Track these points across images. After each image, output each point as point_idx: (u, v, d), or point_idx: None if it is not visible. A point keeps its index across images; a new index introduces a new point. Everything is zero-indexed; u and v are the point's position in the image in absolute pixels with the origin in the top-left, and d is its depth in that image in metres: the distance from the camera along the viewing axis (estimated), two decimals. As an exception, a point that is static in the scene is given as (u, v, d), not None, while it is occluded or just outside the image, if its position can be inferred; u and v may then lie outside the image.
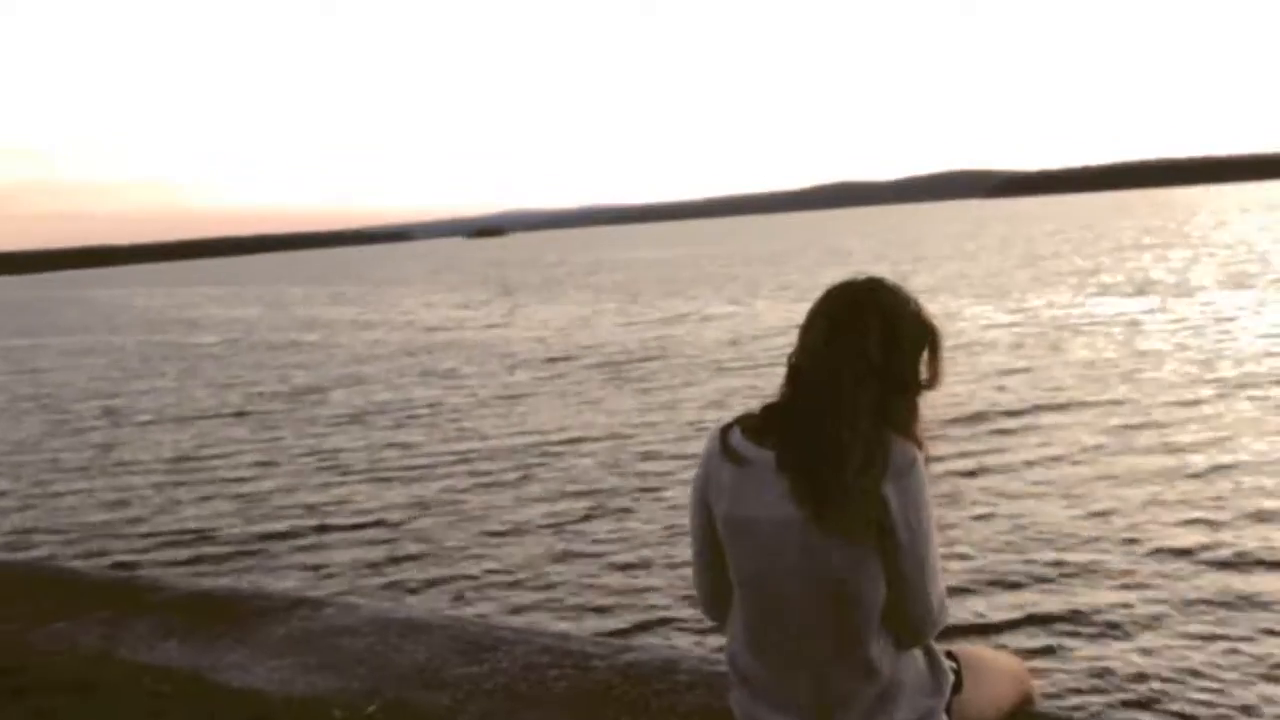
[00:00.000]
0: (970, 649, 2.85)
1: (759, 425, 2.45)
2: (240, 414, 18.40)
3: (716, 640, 6.30)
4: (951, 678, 2.58)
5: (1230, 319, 21.23)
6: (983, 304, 28.14)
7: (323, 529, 10.60)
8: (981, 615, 7.22)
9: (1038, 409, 13.54)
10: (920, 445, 2.43)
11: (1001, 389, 15.17)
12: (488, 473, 12.35)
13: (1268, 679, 6.02)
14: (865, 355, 2.39)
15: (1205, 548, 8.12)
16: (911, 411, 2.46)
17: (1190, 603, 7.16)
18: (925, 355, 2.47)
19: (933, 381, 2.48)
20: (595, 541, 9.52)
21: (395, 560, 9.42)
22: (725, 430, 2.48)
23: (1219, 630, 6.67)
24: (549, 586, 8.46)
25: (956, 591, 7.61)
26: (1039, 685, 3.31)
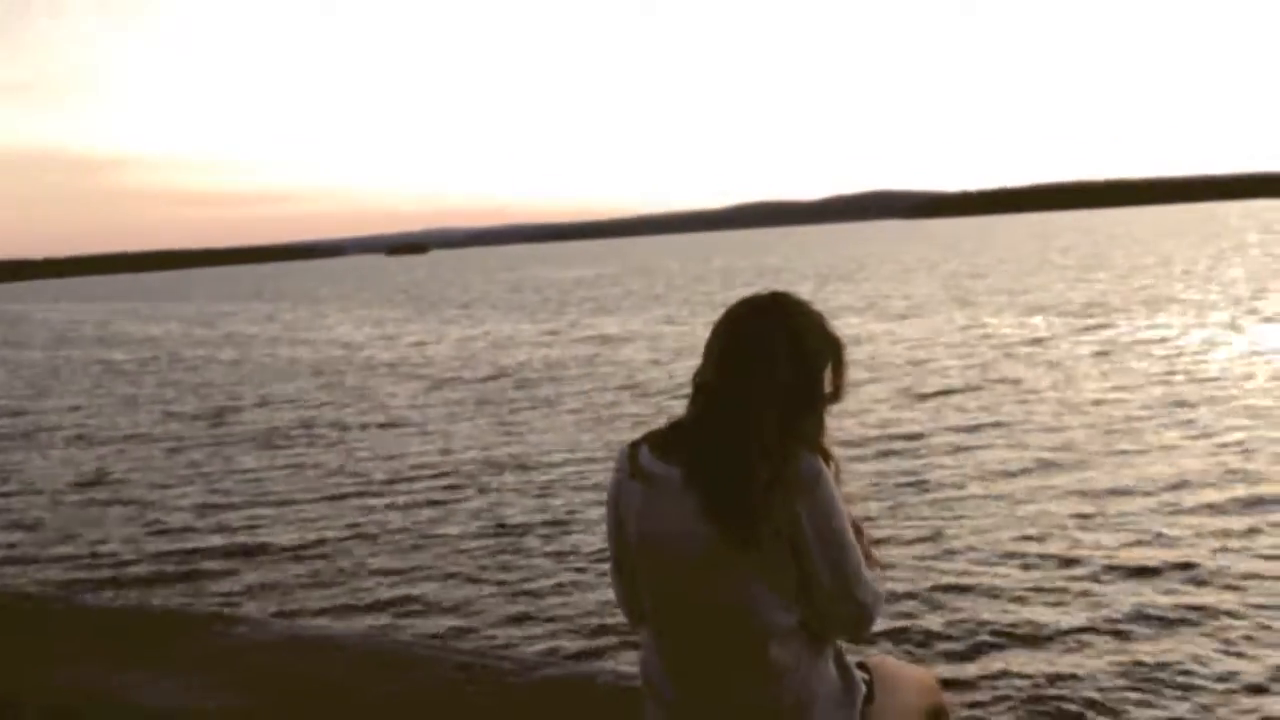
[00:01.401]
0: (882, 660, 2.87)
1: (666, 442, 2.46)
2: (152, 434, 18.09)
3: (633, 656, 6.30)
4: (863, 689, 2.59)
5: (1157, 340, 21.61)
6: (909, 324, 28.45)
7: (236, 549, 10.44)
8: (902, 630, 7.29)
9: (968, 429, 13.68)
10: (828, 457, 2.45)
11: (933, 410, 15.35)
12: (406, 494, 12.25)
13: (1189, 694, 6.12)
14: (769, 371, 2.41)
15: (1126, 565, 8.25)
16: (817, 424, 2.49)
17: (1109, 619, 7.28)
18: (829, 368, 2.50)
19: (837, 394, 2.51)
20: (513, 561, 9.48)
21: (311, 580, 9.32)
22: (634, 447, 2.49)
23: (1139, 645, 6.78)
24: (467, 605, 8.42)
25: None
26: (949, 698, 3.33)
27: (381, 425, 17.16)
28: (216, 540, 10.81)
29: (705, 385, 2.47)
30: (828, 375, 2.50)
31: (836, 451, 2.51)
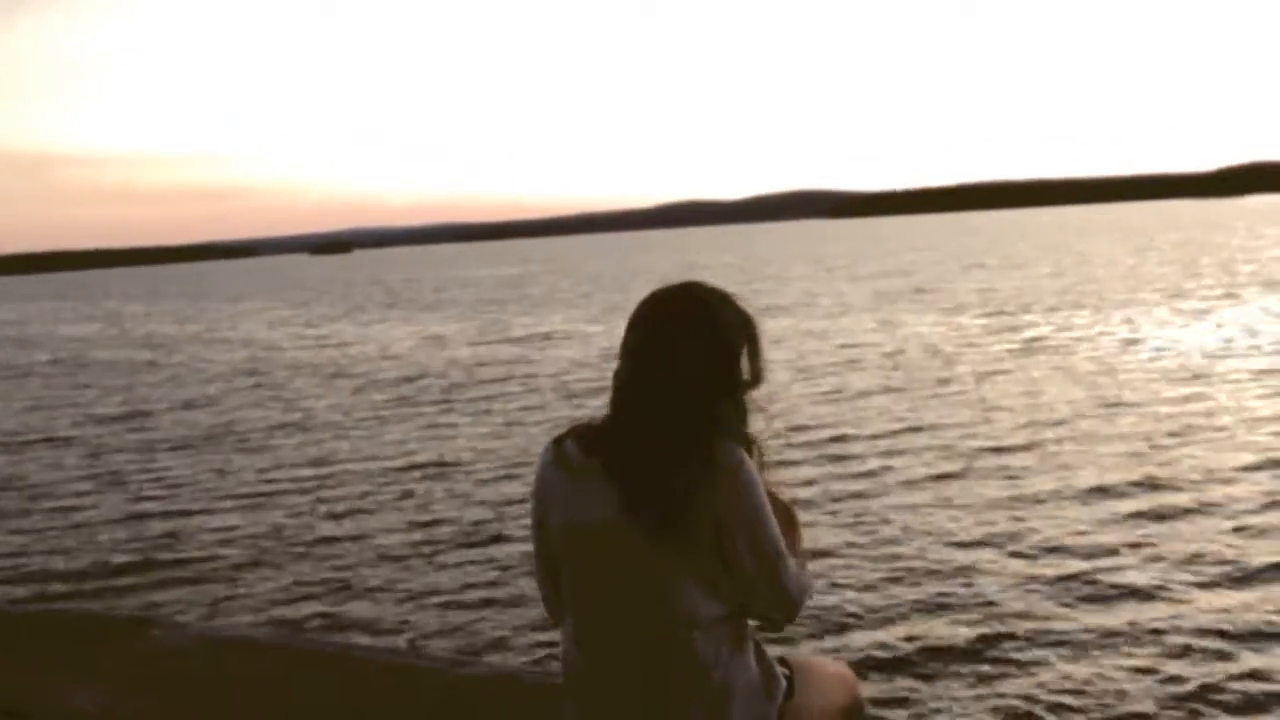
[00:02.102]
0: (802, 656, 2.91)
1: (590, 435, 2.48)
2: (70, 437, 17.79)
3: (556, 652, 6.30)
4: (784, 684, 2.62)
5: (1079, 339, 21.95)
6: (833, 323, 28.69)
7: (158, 553, 10.31)
8: (825, 627, 7.37)
9: (892, 430, 13.78)
10: (750, 444, 2.48)
11: (858, 410, 15.46)
12: (330, 497, 12.15)
13: (1113, 704, 6.23)
14: (685, 360, 2.44)
15: (1050, 573, 8.34)
16: (738, 411, 2.51)
17: (1032, 615, 7.39)
18: (745, 352, 2.52)
19: (755, 379, 2.53)
20: (440, 562, 9.46)
21: (236, 583, 9.24)
22: (558, 441, 2.51)
23: (1065, 656, 6.84)
24: (394, 607, 8.39)
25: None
26: (869, 693, 3.39)
27: (306, 428, 17.02)
28: (139, 544, 10.67)
29: (623, 379, 2.50)
30: (744, 361, 2.52)
31: (760, 437, 2.54)
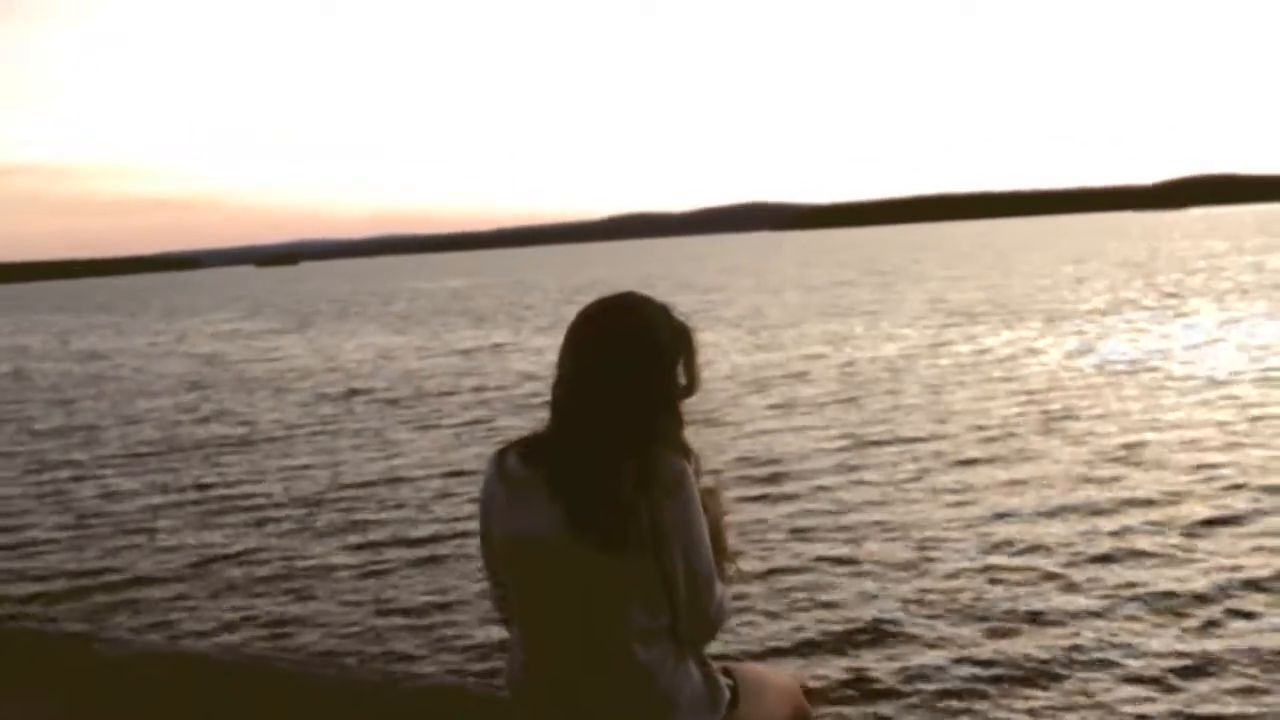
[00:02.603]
0: (747, 666, 2.94)
1: (531, 448, 2.51)
2: (11, 452, 17.53)
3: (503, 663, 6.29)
4: (728, 694, 2.65)
5: (1026, 350, 22.11)
6: (783, 335, 28.80)
7: (102, 568, 10.19)
8: (770, 636, 7.41)
9: (842, 442, 13.79)
10: (688, 453, 2.51)
11: (808, 421, 15.45)
12: (276, 511, 12.04)
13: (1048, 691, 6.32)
14: (622, 371, 2.46)
15: (998, 570, 8.46)
16: (676, 422, 2.54)
17: (981, 625, 7.46)
18: (681, 361, 2.55)
19: (691, 387, 2.56)
20: (386, 577, 9.41)
21: (180, 599, 9.13)
22: (502, 454, 2.54)
23: (1008, 647, 6.95)
24: (339, 622, 8.34)
25: (754, 617, 7.80)
26: (816, 705, 3.42)
27: (252, 441, 16.87)
28: (81, 559, 10.54)
29: (562, 391, 2.53)
30: (680, 370, 2.55)
31: (697, 448, 2.57)
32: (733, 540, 2.71)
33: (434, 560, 9.78)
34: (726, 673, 2.75)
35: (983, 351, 22.26)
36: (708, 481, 2.62)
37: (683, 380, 2.54)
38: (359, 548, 10.33)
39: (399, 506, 11.88)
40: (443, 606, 8.52)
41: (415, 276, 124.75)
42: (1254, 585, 7.84)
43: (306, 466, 14.53)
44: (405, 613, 8.45)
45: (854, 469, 12.28)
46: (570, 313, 2.70)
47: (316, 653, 7.67)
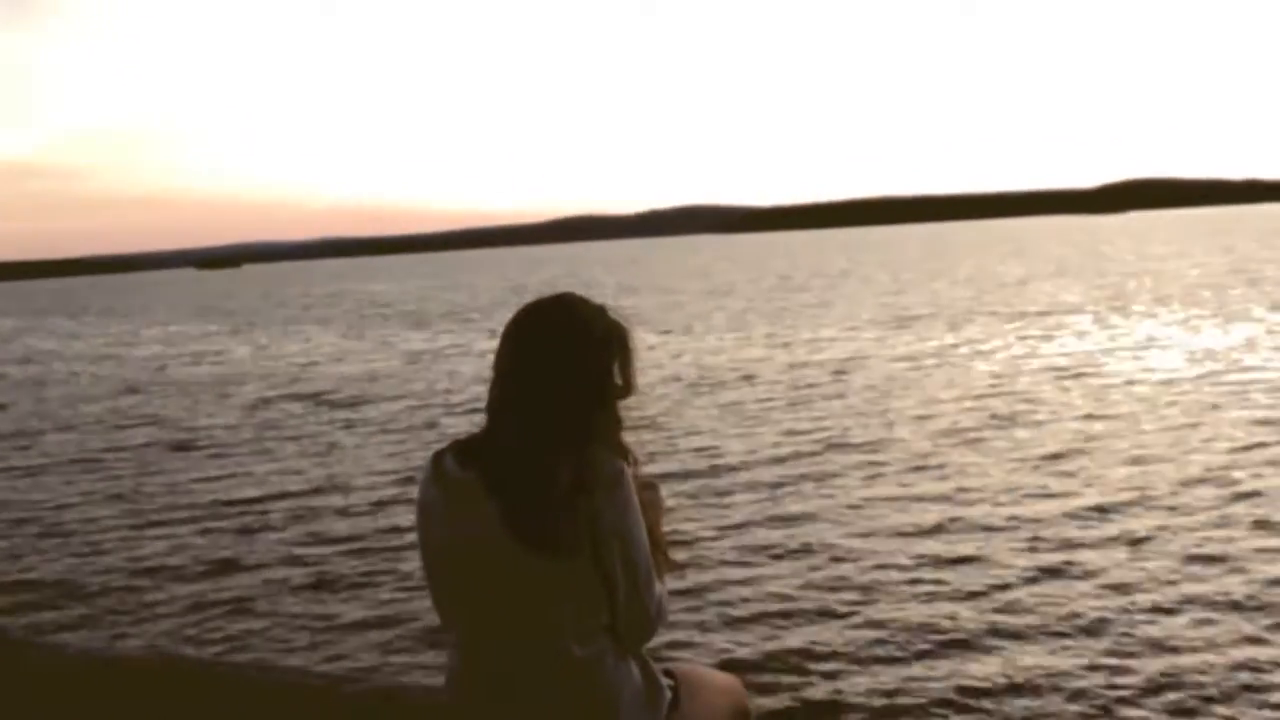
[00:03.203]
0: (687, 667, 2.94)
1: (467, 448, 2.51)
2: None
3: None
4: (668, 695, 2.66)
5: (969, 353, 22.31)
6: (728, 339, 28.88)
7: (35, 575, 10.06)
8: (712, 643, 7.44)
9: (789, 447, 13.81)
10: (626, 454, 2.52)
11: (752, 426, 15.50)
12: (215, 517, 11.90)
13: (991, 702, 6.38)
14: (559, 371, 2.47)
15: (948, 588, 8.48)
16: (613, 422, 2.55)
17: (923, 632, 7.53)
18: (617, 361, 2.56)
19: (628, 387, 2.57)
20: (327, 580, 9.39)
21: (117, 605, 9.06)
22: (439, 455, 2.54)
23: (945, 666, 6.98)
24: (281, 625, 8.30)
25: (699, 621, 7.82)
26: (758, 704, 3.44)
27: (193, 447, 16.67)
28: (18, 565, 10.40)
29: (498, 391, 2.53)
30: (617, 370, 2.56)
31: (636, 448, 2.58)
32: (673, 541, 2.72)
33: (377, 563, 9.73)
34: (668, 673, 2.75)
35: (927, 355, 22.44)
36: (647, 482, 2.63)
37: (619, 381, 2.55)
38: (302, 551, 10.27)
39: (343, 510, 11.81)
40: (385, 609, 8.50)
41: (360, 278, 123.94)
42: (1187, 595, 7.96)
43: (249, 471, 14.40)
44: (347, 616, 8.42)
45: (798, 472, 12.32)
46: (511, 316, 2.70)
47: (257, 657, 7.62)
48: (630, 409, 2.57)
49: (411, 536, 10.12)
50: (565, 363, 2.48)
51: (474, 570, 2.47)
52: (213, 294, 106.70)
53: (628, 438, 2.55)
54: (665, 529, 2.71)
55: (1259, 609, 7.44)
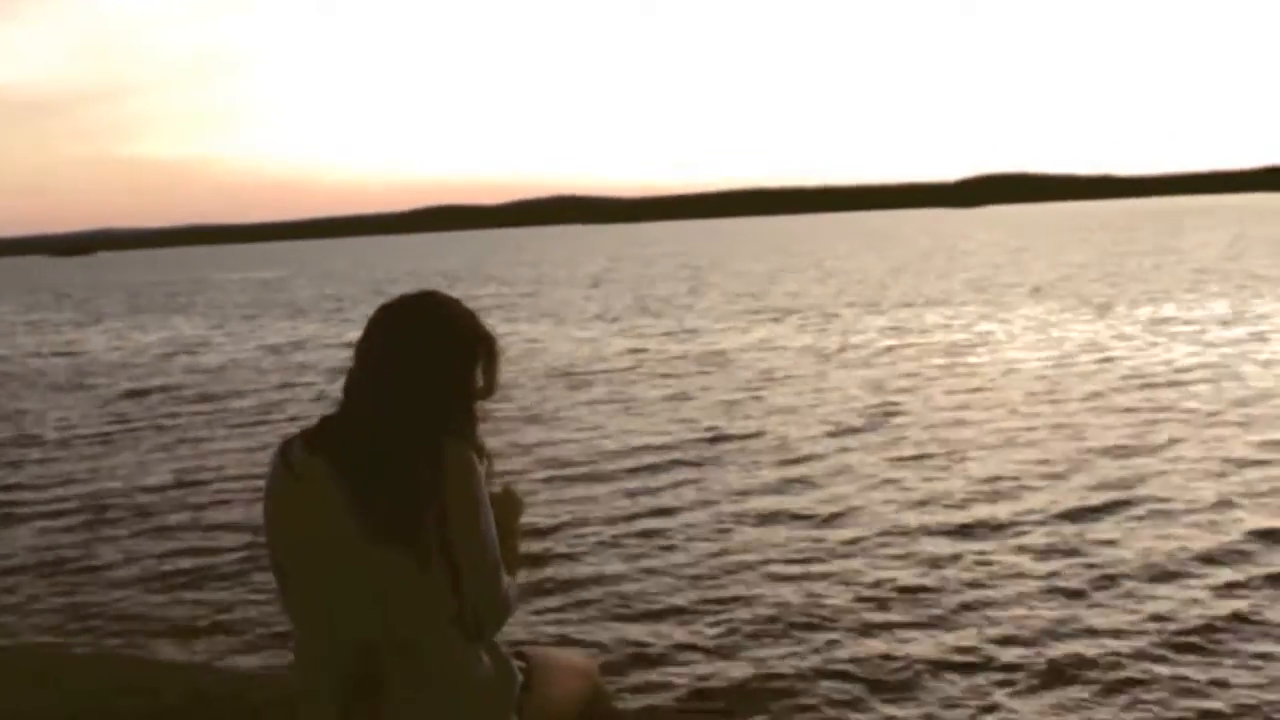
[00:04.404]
0: (539, 649, 2.97)
1: (316, 435, 2.52)
2: None
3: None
4: (520, 678, 2.69)
5: (867, 344, 22.56)
6: (608, 329, 28.94)
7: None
8: (572, 631, 7.51)
9: (691, 440, 13.64)
10: (480, 450, 2.56)
11: (647, 422, 15.28)
12: (70, 518, 11.49)
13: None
14: (418, 363, 2.51)
15: (847, 578, 8.43)
16: (470, 418, 2.59)
17: (773, 621, 7.60)
18: (481, 365, 2.61)
19: (489, 389, 2.63)
20: (179, 574, 9.27)
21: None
22: (286, 445, 2.54)
23: (816, 648, 7.07)
24: (126, 616, 8.20)
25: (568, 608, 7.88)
26: (611, 682, 3.50)
27: (42, 443, 16.08)
28: None
29: (355, 379, 2.56)
30: (480, 371, 2.61)
31: (490, 446, 2.63)
32: (539, 531, 2.77)
33: (226, 559, 9.61)
34: (520, 655, 2.78)
35: (798, 348, 22.65)
36: (503, 479, 2.68)
37: (481, 382, 2.60)
38: (153, 548, 10.06)
39: (198, 505, 11.56)
40: (238, 598, 8.44)
41: (219, 267, 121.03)
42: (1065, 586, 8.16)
43: (101, 467, 13.97)
44: (200, 607, 8.35)
45: (671, 465, 12.38)
46: (373, 306, 2.73)
47: (97, 645, 7.54)
48: (502, 401, 2.62)
49: (259, 530, 10.03)
50: (429, 355, 2.51)
51: (319, 560, 2.47)
52: (65, 283, 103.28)
53: (496, 437, 2.59)
54: (524, 523, 2.76)
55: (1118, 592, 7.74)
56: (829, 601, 7.83)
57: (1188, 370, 17.11)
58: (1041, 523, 9.43)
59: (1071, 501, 9.99)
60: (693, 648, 7.14)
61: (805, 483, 11.26)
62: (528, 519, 2.86)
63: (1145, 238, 74.34)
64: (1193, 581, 7.87)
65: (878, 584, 8.14)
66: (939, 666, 6.65)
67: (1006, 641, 6.95)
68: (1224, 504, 9.70)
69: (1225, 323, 23.23)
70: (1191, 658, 6.60)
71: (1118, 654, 6.65)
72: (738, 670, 6.76)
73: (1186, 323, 23.60)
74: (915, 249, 72.74)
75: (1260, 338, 20.53)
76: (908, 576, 8.25)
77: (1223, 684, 6.24)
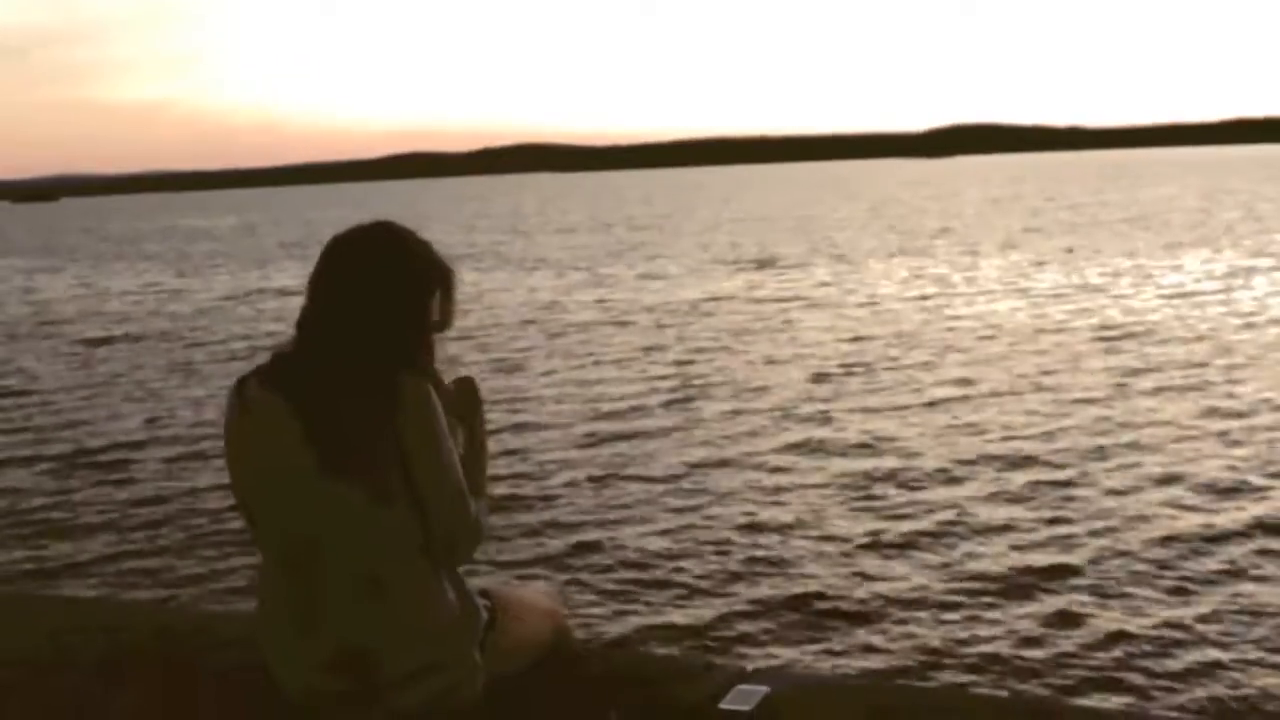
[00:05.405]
0: (504, 588, 2.96)
1: (270, 370, 2.50)
2: None
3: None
4: (485, 616, 2.68)
5: (834, 295, 22.66)
6: (581, 278, 28.89)
7: None
8: (539, 570, 7.56)
9: (659, 391, 13.67)
10: (436, 381, 2.54)
11: (618, 372, 15.28)
12: (31, 467, 11.47)
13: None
14: (372, 296, 2.48)
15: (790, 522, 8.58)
16: (425, 349, 2.57)
17: (739, 575, 7.62)
18: (437, 296, 2.59)
19: (446, 321, 2.61)
20: (136, 512, 9.39)
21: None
22: (242, 381, 2.52)
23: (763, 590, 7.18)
24: (92, 561, 8.22)
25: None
26: (576, 622, 3.52)
27: (6, 393, 15.93)
28: None
29: (309, 312, 2.53)
30: (436, 303, 2.59)
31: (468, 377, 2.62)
32: (512, 476, 2.77)
33: (196, 503, 9.62)
34: (484, 594, 2.77)
35: (777, 298, 22.64)
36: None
37: (437, 316, 2.57)
38: (120, 497, 10.05)
39: (168, 457, 11.49)
40: (206, 546, 8.45)
41: (185, 214, 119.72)
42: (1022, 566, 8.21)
43: (67, 416, 13.88)
44: (168, 550, 8.36)
45: (638, 412, 12.46)
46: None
47: (56, 584, 7.58)
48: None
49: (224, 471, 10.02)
50: (383, 285, 2.48)
51: (279, 494, 2.45)
52: (27, 230, 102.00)
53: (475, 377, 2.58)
54: (493, 449, 2.75)
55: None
56: (794, 542, 7.90)
57: (1152, 313, 17.37)
58: (1019, 465, 9.60)
59: (1056, 445, 10.20)
60: (658, 586, 7.22)
61: (776, 428, 11.32)
62: (494, 465, 2.85)
63: (1111, 189, 74.56)
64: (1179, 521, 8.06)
65: (848, 526, 8.25)
66: (908, 605, 6.74)
67: (979, 581, 7.04)
68: (1211, 456, 9.85)
69: (1197, 276, 23.42)
70: (1177, 600, 6.77)
71: (1105, 598, 6.76)
72: (707, 611, 6.83)
73: (1152, 274, 23.79)
74: (892, 200, 72.59)
75: (1231, 289, 20.80)
76: (872, 520, 8.35)
77: (1213, 621, 6.40)
